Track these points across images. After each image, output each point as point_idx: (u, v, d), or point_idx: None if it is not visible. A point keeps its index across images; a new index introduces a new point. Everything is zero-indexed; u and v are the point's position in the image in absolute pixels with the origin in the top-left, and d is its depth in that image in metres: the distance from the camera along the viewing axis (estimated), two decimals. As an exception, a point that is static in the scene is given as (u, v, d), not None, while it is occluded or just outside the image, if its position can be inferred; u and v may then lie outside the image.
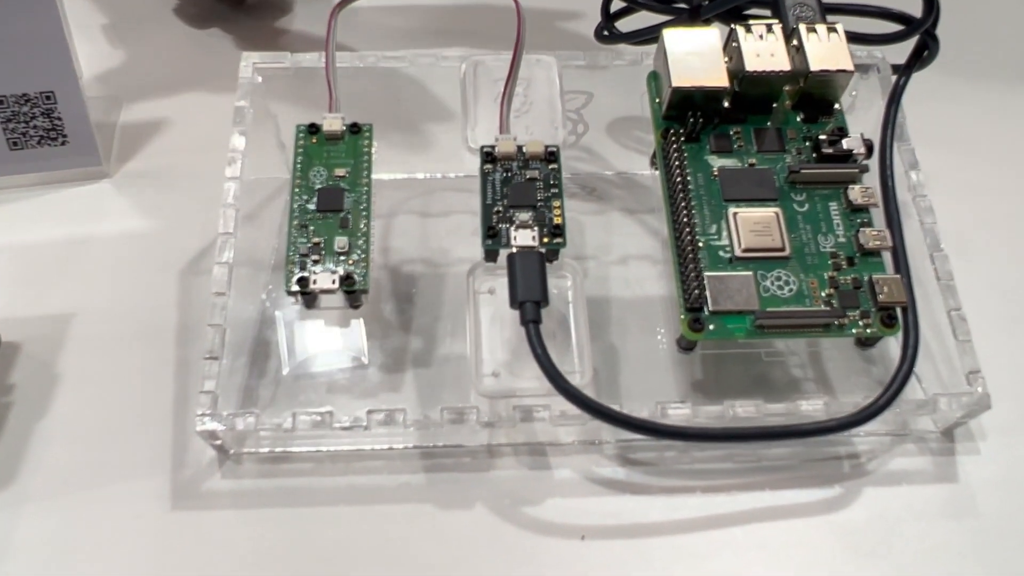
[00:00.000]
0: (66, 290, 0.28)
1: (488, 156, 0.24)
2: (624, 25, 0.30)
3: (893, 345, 0.25)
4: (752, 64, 0.24)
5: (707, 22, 0.29)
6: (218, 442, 0.23)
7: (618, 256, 0.29)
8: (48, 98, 0.31)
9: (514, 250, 0.23)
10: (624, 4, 0.31)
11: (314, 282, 0.22)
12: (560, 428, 0.23)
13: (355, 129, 0.25)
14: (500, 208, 0.23)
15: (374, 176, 0.25)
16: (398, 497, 0.23)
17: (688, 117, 0.25)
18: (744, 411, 0.22)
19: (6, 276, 0.28)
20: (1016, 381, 0.26)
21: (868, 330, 0.23)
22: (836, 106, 0.26)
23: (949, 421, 0.24)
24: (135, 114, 0.34)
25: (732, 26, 0.25)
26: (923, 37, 0.27)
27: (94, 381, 0.25)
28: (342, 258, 0.23)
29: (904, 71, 0.27)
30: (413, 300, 0.27)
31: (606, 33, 0.32)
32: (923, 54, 0.28)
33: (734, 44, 0.25)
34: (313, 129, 0.25)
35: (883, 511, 0.23)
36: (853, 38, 0.28)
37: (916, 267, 0.25)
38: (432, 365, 0.25)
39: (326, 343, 0.26)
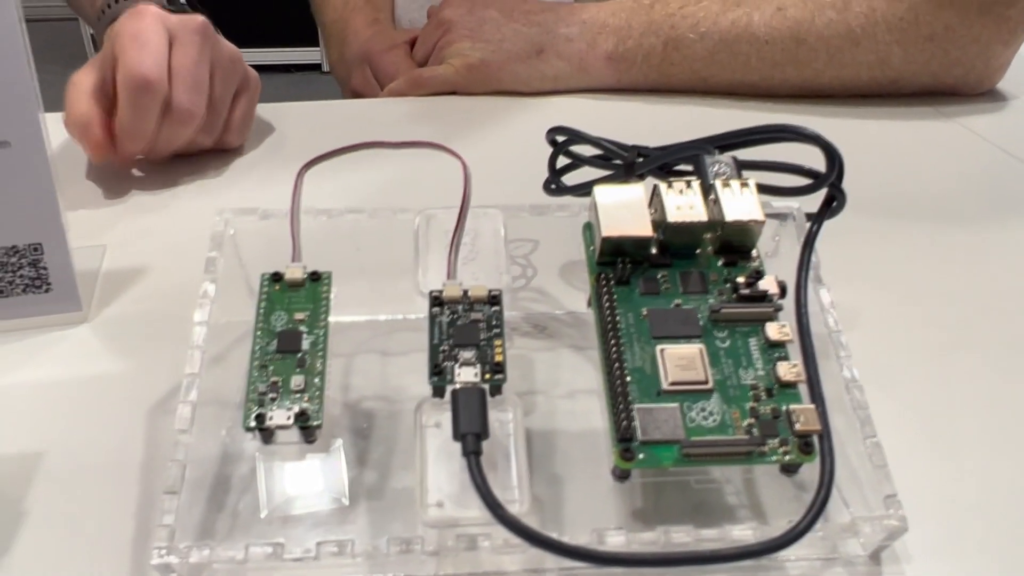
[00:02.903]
0: (38, 429, 0.29)
1: (436, 300, 0.27)
2: (571, 179, 0.34)
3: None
4: (673, 215, 0.27)
5: (641, 177, 0.32)
6: (174, 575, 0.24)
7: (566, 390, 0.31)
8: (36, 249, 0.33)
9: (457, 386, 0.25)
10: (568, 161, 0.35)
11: (270, 418, 0.24)
12: (504, 556, 0.25)
13: (315, 277, 0.27)
14: (446, 347, 0.25)
15: (336, 319, 0.27)
16: (348, 628, 0.24)
17: (618, 263, 0.27)
18: (677, 537, 0.24)
19: (-18, 417, 0.30)
20: (940, 503, 0.27)
21: (787, 457, 0.24)
22: (754, 251, 0.28)
23: (873, 545, 0.25)
24: (117, 261, 0.37)
25: (655, 182, 0.28)
26: (830, 189, 0.30)
27: (58, 517, 0.26)
28: (297, 396, 0.25)
29: (816, 219, 0.30)
30: (368, 435, 0.28)
31: (553, 187, 0.35)
32: (832, 204, 0.30)
33: (657, 198, 0.28)
34: (276, 277, 0.27)
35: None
36: (770, 191, 0.31)
37: (839, 398, 0.27)
38: (384, 497, 0.27)
39: (305, 484, 0.27)
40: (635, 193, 0.28)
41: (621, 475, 0.25)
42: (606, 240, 0.27)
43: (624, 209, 0.27)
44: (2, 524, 0.26)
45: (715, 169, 0.29)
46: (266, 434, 0.25)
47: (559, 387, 0.31)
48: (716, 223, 0.27)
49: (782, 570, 0.26)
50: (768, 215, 0.28)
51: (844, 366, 0.27)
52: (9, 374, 0.31)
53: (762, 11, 0.56)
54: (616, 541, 0.23)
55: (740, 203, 0.27)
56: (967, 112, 0.57)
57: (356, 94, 0.65)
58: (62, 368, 0.32)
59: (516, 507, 0.24)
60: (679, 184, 0.28)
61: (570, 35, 0.58)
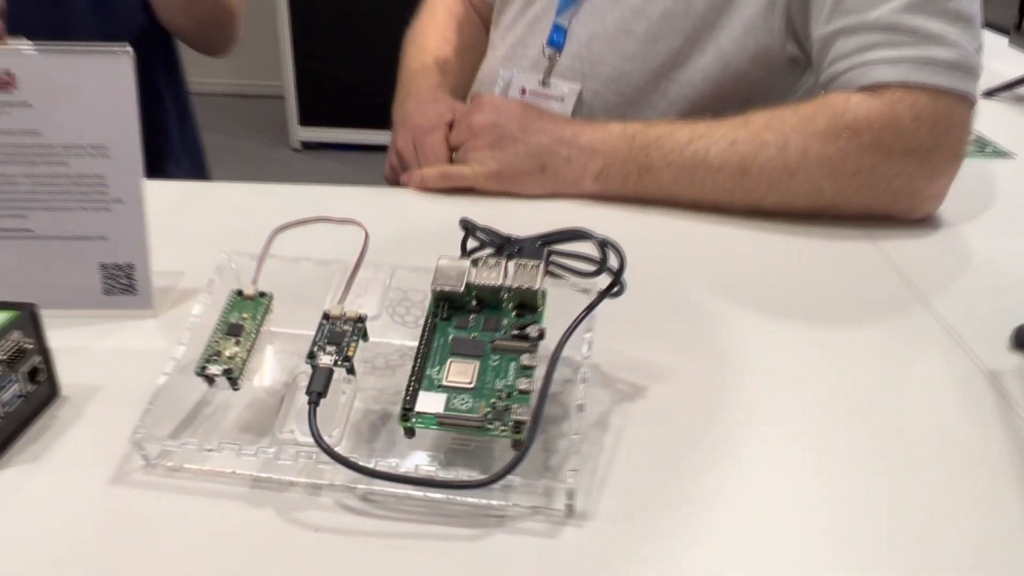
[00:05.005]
0: (118, 369, 0.48)
1: (325, 314, 0.43)
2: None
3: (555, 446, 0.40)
4: (473, 279, 0.42)
5: (504, 254, 0.48)
6: (144, 451, 0.41)
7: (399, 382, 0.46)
8: (131, 267, 0.53)
9: (319, 365, 0.41)
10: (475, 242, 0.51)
11: (208, 370, 0.41)
12: (323, 468, 0.40)
13: (262, 294, 0.45)
14: (321, 343, 0.42)
15: (273, 328, 0.44)
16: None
17: (442, 305, 0.43)
18: (425, 471, 0.38)
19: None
20: (615, 474, 0.40)
21: (503, 433, 0.39)
22: (539, 308, 0.43)
23: (562, 503, 0.39)
24: (187, 281, 0.56)
25: (480, 258, 0.44)
26: (613, 276, 0.44)
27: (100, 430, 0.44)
28: (228, 359, 0.42)
29: (600, 296, 0.44)
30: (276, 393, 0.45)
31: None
32: (613, 288, 0.45)
33: (473, 268, 0.43)
34: (239, 292, 0.45)
35: (496, 546, 0.38)
36: (570, 271, 0.46)
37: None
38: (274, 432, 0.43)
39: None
40: (462, 264, 0.43)
41: (406, 432, 0.40)
42: (433, 291, 0.42)
43: (451, 272, 0.43)
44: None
45: (525, 254, 0.44)
46: (208, 380, 0.42)
47: (397, 379, 0.46)
48: (502, 288, 0.42)
49: (504, 513, 0.39)
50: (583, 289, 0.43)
51: (580, 385, 0.41)
52: (109, 340, 0.51)
53: (718, 144, 0.70)
54: (386, 464, 0.38)
55: (525, 276, 0.42)
56: (892, 236, 0.68)
57: (397, 151, 0.84)
58: (138, 341, 0.51)
59: (332, 441, 0.40)
60: (492, 260, 0.43)
61: (568, 157, 0.74)
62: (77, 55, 0.50)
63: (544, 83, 0.82)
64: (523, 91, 0.84)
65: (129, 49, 0.49)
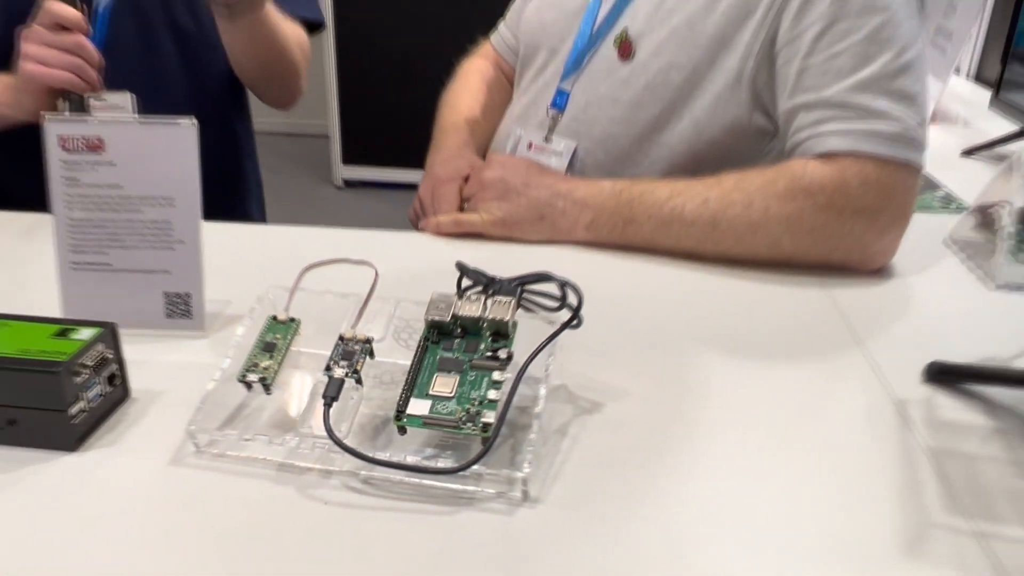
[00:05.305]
0: (176, 375, 0.59)
1: (340, 337, 0.54)
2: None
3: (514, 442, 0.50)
4: (457, 310, 0.53)
5: (492, 294, 0.58)
6: (195, 440, 0.52)
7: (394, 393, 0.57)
8: (188, 295, 0.65)
9: (334, 375, 0.52)
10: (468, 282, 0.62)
11: (249, 377, 0.52)
12: (334, 455, 0.51)
13: (292, 319, 0.56)
14: (335, 359, 0.53)
15: (299, 347, 0.55)
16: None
17: (433, 332, 0.54)
18: (411, 459, 0.49)
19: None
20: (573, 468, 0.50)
21: (473, 432, 0.49)
22: (509, 336, 0.54)
23: (519, 490, 0.49)
24: (232, 308, 0.68)
25: (461, 293, 0.54)
26: (572, 311, 0.55)
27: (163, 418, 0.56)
28: (264, 369, 0.53)
29: (561, 327, 0.55)
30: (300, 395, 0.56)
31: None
32: (572, 321, 0.55)
33: (458, 302, 0.54)
34: (274, 318, 0.56)
35: (465, 521, 0.48)
36: (541, 306, 0.56)
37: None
38: (297, 428, 0.54)
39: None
40: (451, 298, 0.54)
41: (399, 430, 0.51)
42: (426, 320, 0.53)
43: (441, 305, 0.54)
44: (137, 414, 0.56)
45: (501, 290, 0.55)
46: (247, 385, 0.53)
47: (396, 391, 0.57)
48: (481, 318, 0.53)
49: (474, 496, 0.49)
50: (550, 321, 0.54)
51: (540, 398, 0.52)
52: (169, 354, 0.63)
53: (692, 201, 0.80)
54: (383, 454, 0.49)
55: (500, 310, 0.53)
56: (845, 285, 0.78)
57: (419, 198, 0.96)
58: (192, 355, 0.63)
59: (341, 435, 0.50)
60: (475, 296, 0.54)
61: (564, 209, 0.84)
62: (153, 126, 0.62)
63: (547, 139, 0.94)
64: (530, 145, 0.95)
65: (194, 121, 0.62)
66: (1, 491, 0.49)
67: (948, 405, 0.60)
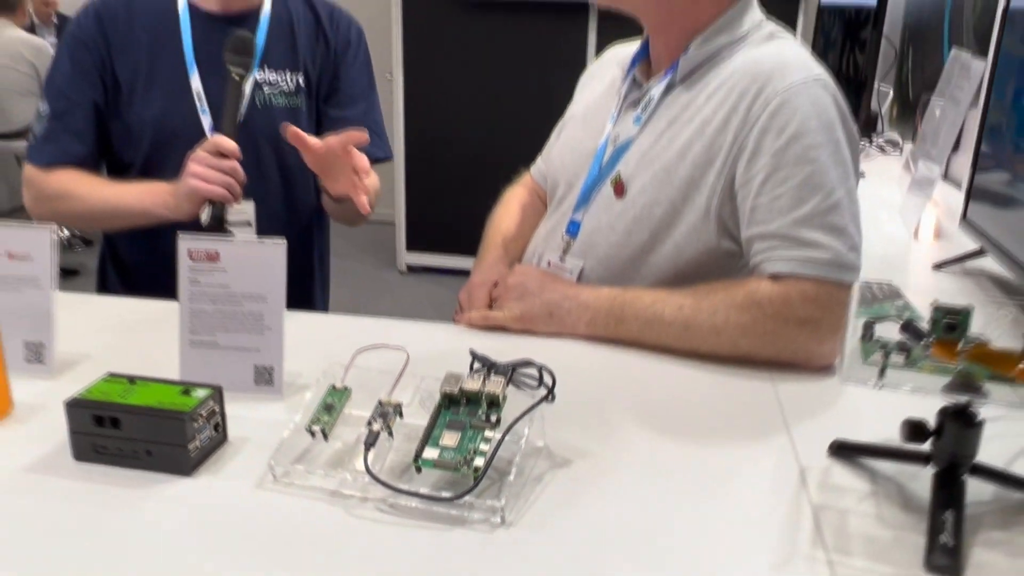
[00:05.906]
0: (258, 428, 0.81)
1: (379, 402, 0.75)
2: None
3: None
4: (464, 386, 0.74)
5: (496, 372, 0.79)
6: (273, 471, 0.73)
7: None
8: (271, 368, 0.87)
9: (373, 429, 0.73)
10: (480, 364, 0.83)
11: (314, 430, 0.74)
12: (370, 487, 0.71)
13: (346, 388, 0.77)
14: (374, 416, 0.74)
15: (352, 411, 0.77)
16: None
17: (446, 400, 0.74)
18: (423, 489, 0.69)
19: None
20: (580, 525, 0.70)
21: (467, 473, 0.69)
22: (501, 406, 0.74)
23: (499, 513, 0.68)
24: (303, 379, 0.90)
25: (477, 373, 0.75)
26: (548, 390, 0.75)
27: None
28: (325, 422, 0.74)
29: (537, 402, 0.75)
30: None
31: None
32: (546, 397, 0.75)
33: (467, 378, 0.74)
34: (333, 388, 0.78)
35: (458, 535, 0.67)
36: (527, 385, 0.77)
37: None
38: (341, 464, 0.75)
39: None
40: (460, 376, 0.75)
41: (416, 469, 0.71)
42: (440, 391, 0.74)
43: (452, 381, 0.75)
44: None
45: (505, 373, 0.75)
46: (311, 434, 0.74)
47: (416, 443, 0.78)
48: (480, 391, 0.73)
49: (466, 519, 0.69)
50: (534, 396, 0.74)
51: (518, 453, 0.71)
52: (255, 411, 0.84)
53: (671, 307, 1.00)
54: (404, 486, 0.69)
55: (494, 386, 0.74)
56: (791, 380, 0.96)
57: (459, 298, 1.18)
58: (273, 412, 0.84)
59: (376, 471, 0.71)
60: (478, 376, 0.75)
61: (569, 309, 1.05)
62: (253, 245, 0.86)
63: (561, 259, 1.15)
64: (548, 263, 1.17)
65: (283, 242, 0.85)
66: (142, 500, 0.71)
67: (841, 473, 0.77)
